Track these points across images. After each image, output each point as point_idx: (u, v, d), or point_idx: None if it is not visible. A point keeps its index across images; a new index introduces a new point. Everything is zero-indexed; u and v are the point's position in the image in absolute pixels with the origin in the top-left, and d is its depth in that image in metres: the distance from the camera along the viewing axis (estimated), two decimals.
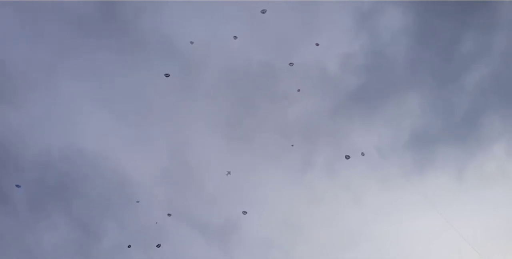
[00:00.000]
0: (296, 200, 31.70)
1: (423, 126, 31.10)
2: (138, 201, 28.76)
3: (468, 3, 29.50)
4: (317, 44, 26.43)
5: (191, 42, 25.89)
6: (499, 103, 30.30)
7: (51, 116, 30.47)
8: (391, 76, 30.61)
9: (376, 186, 31.02)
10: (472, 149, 30.64)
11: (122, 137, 31.03)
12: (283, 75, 29.62)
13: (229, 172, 25.95)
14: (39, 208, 30.42)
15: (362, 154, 26.25)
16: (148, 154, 31.09)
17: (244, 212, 25.71)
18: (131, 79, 30.01)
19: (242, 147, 31.27)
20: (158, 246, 24.81)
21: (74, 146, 30.54)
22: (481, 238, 29.16)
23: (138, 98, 30.51)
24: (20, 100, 29.64)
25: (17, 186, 26.10)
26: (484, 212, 29.70)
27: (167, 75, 24.73)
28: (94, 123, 30.75)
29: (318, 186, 31.77)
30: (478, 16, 29.75)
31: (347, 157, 25.70)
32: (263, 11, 24.58)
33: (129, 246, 26.10)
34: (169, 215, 27.22)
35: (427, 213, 26.56)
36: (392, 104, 30.89)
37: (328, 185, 31.71)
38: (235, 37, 25.72)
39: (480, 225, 29.52)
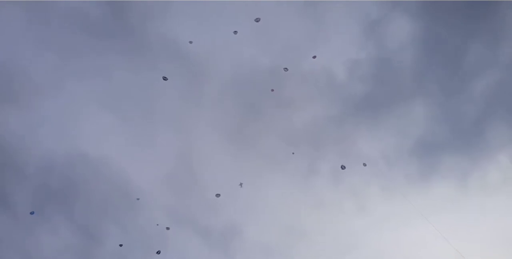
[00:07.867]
0: (299, 206, 31.69)
1: (428, 134, 31.17)
2: (138, 199, 28.67)
3: (475, 12, 29.60)
4: (314, 57, 26.36)
5: (190, 42, 25.75)
6: (504, 112, 30.41)
7: (55, 119, 30.33)
8: (397, 84, 30.68)
9: (380, 193, 31.06)
10: (477, 157, 30.73)
11: (126, 141, 30.93)
12: (289, 81, 29.59)
13: (241, 184, 25.84)
14: (41, 212, 30.19)
15: (364, 164, 26.28)
16: (152, 158, 30.98)
17: (241, 184, 25.78)
18: (137, 84, 29.93)
19: (246, 152, 31.26)
20: (158, 252, 24.73)
21: (78, 149, 30.43)
22: (484, 246, 29.31)
23: (143, 102, 30.43)
24: (25, 103, 29.48)
25: (31, 213, 26.78)
26: (487, 220, 29.77)
27: (165, 79, 24.50)
28: (98, 126, 30.64)
29: (321, 193, 31.77)
30: (484, 26, 29.86)
31: (343, 167, 25.68)
32: (257, 20, 24.55)
33: (121, 245, 26.98)
34: (167, 228, 27.14)
35: (430, 222, 26.60)
36: (397, 112, 30.97)
37: (332, 191, 31.71)
38: (235, 32, 25.49)
39: (483, 233, 29.62)
